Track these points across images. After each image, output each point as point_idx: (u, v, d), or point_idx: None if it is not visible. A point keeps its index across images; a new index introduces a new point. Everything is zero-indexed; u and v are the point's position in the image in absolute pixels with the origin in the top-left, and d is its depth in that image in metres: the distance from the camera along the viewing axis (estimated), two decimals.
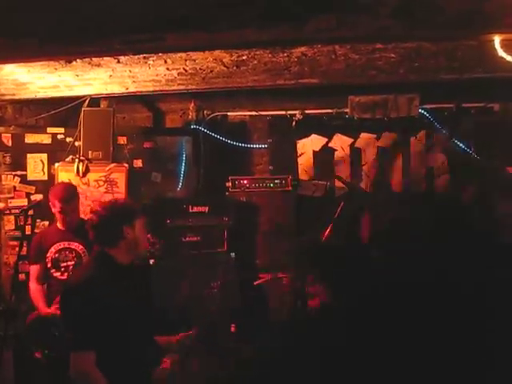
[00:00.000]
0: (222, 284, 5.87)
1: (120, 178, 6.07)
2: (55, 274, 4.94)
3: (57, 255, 4.93)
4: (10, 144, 5.99)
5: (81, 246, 4.90)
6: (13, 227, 5.96)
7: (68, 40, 3.75)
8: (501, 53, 3.91)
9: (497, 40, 3.77)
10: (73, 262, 4.91)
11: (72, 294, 3.14)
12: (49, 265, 4.94)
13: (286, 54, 4.38)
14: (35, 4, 3.59)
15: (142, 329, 3.31)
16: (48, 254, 4.94)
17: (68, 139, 6.12)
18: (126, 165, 6.17)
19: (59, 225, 5.00)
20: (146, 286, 5.01)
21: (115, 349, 3.09)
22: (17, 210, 5.86)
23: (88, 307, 2.99)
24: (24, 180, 6.02)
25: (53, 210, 4.97)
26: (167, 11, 3.51)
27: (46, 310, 4.77)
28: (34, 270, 4.98)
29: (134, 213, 3.35)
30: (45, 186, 5.87)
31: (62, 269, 4.93)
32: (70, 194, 4.95)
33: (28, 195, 6.01)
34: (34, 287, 4.95)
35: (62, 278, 4.89)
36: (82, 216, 5.05)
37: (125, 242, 3.26)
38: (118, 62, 4.46)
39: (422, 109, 6.55)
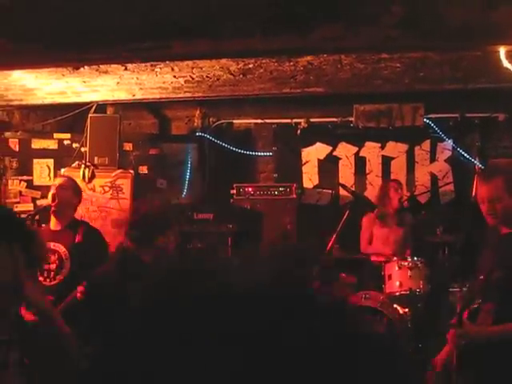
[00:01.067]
0: None
1: (126, 184, 6.08)
2: (40, 278, 4.81)
3: None
4: (16, 149, 6.02)
5: (64, 249, 4.71)
6: None
7: (75, 46, 3.79)
8: (506, 64, 3.92)
9: (502, 51, 3.79)
10: (54, 266, 4.71)
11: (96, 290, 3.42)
12: None
13: (291, 63, 4.41)
14: (42, 10, 3.63)
15: None
16: None
17: (74, 145, 6.14)
18: (132, 171, 6.19)
19: (52, 223, 4.84)
20: None
21: None
22: (23, 215, 5.86)
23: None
24: (30, 185, 6.04)
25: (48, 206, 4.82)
26: (173, 19, 3.54)
27: (30, 316, 4.67)
28: None
29: (167, 223, 3.47)
30: None
31: (45, 273, 4.76)
32: (68, 183, 4.80)
33: (34, 200, 6.03)
34: None
35: (45, 284, 4.73)
36: (77, 217, 4.88)
37: (155, 248, 3.38)
38: (126, 69, 4.49)
39: (427, 118, 6.55)
